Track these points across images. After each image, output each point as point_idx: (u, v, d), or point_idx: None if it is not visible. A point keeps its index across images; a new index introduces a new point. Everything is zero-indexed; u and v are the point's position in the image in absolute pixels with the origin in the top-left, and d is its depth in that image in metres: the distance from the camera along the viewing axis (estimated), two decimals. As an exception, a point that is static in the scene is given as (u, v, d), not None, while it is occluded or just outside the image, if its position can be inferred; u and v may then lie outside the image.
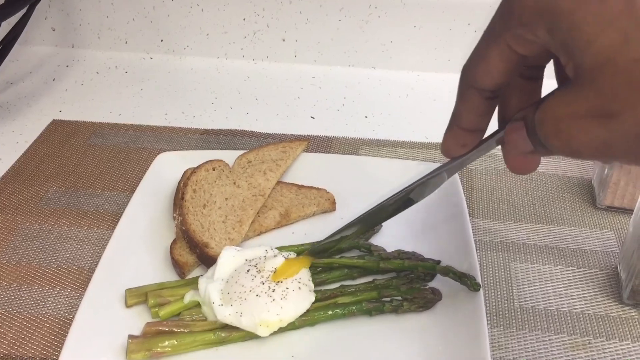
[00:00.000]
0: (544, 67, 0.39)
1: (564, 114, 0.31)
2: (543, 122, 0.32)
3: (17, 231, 0.64)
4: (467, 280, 0.54)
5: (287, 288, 0.53)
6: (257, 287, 0.52)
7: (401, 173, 0.68)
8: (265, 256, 0.56)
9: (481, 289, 0.54)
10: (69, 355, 0.49)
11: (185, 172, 0.66)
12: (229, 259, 0.55)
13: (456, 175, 0.65)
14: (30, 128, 0.81)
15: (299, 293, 0.53)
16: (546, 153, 0.35)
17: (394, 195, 0.49)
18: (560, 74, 0.37)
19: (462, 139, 0.40)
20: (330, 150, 0.76)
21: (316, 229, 0.63)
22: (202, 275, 0.55)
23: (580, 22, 0.30)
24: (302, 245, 0.59)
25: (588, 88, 0.30)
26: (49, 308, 0.56)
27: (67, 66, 0.97)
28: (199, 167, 0.65)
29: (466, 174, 0.71)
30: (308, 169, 0.69)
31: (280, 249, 0.58)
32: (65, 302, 0.56)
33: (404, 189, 0.48)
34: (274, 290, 0.52)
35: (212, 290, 0.52)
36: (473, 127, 0.39)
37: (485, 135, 0.40)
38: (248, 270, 0.54)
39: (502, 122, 0.41)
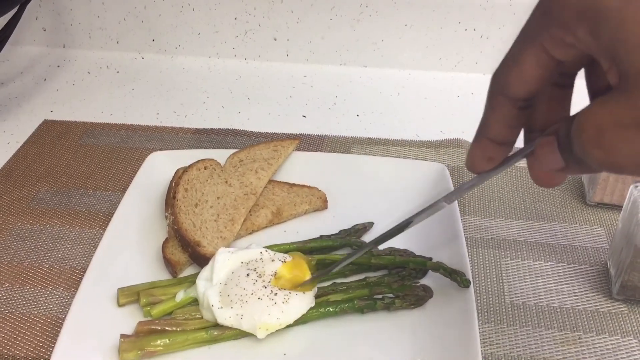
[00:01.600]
0: (576, 74, 0.37)
1: (607, 123, 0.28)
2: (583, 131, 0.30)
3: (9, 231, 0.64)
4: (457, 277, 0.54)
5: (290, 292, 0.53)
6: (259, 291, 0.52)
7: (393, 171, 0.68)
8: (261, 258, 0.56)
9: (472, 286, 0.54)
10: (61, 354, 0.49)
11: (176, 171, 0.66)
12: (224, 262, 0.55)
13: (446, 171, 0.66)
14: (21, 128, 0.81)
15: (302, 298, 0.53)
16: (577, 170, 0.33)
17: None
18: (594, 82, 0.35)
19: (489, 152, 0.37)
20: (322, 149, 0.77)
21: (308, 227, 0.63)
22: (199, 277, 0.55)
23: (629, 22, 0.27)
24: (294, 243, 0.60)
25: (636, 95, 0.28)
26: (41, 308, 0.56)
27: (58, 66, 0.96)
28: (190, 166, 0.65)
29: (457, 171, 0.72)
30: (300, 168, 0.69)
31: (272, 247, 0.58)
32: (57, 302, 0.56)
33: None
34: (276, 294, 0.52)
35: (211, 294, 0.52)
36: (502, 139, 0.37)
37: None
38: (248, 274, 0.54)
39: (527, 133, 0.38)
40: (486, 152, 0.37)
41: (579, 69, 0.36)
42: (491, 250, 0.62)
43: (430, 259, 0.57)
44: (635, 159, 0.28)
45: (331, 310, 0.53)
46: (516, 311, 0.56)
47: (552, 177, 0.36)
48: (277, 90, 0.91)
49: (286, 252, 0.58)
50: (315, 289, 0.54)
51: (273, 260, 0.55)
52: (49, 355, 0.50)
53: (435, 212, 0.46)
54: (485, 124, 0.37)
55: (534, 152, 0.35)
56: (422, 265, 0.56)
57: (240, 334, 0.52)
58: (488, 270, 0.60)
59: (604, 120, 0.29)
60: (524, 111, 0.35)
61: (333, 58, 0.96)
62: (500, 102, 0.35)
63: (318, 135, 0.79)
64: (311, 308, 0.53)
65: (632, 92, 0.28)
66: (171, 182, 0.65)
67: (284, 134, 0.79)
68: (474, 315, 0.51)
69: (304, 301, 0.53)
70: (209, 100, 0.88)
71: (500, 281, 0.58)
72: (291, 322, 0.52)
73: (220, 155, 0.68)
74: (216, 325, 0.52)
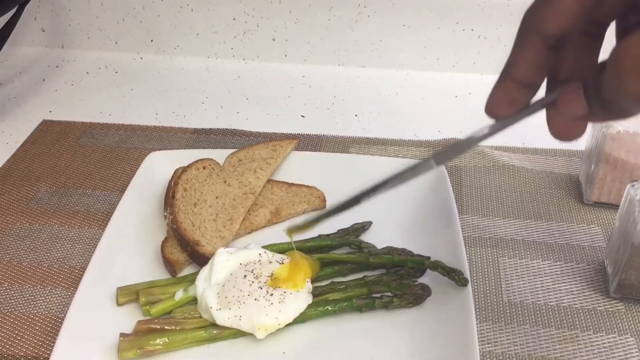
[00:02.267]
0: (608, 25, 0.36)
1: None
2: (621, 61, 0.29)
3: (8, 231, 0.64)
4: (455, 276, 0.55)
5: (285, 292, 0.53)
6: (255, 292, 0.53)
7: (391, 171, 0.68)
8: (259, 260, 0.56)
9: (470, 284, 0.54)
10: (61, 354, 0.49)
11: (175, 171, 0.66)
12: (223, 263, 0.55)
13: (445, 172, 0.66)
14: (20, 128, 0.81)
15: (296, 296, 0.53)
16: (602, 115, 0.33)
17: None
18: (624, 28, 0.34)
19: (512, 94, 0.36)
20: (320, 148, 0.77)
21: (307, 227, 0.63)
22: (198, 278, 0.55)
23: None
24: (293, 242, 0.60)
25: None
26: (41, 307, 0.56)
27: (57, 66, 0.96)
28: (189, 166, 0.65)
29: (455, 170, 0.72)
30: (298, 167, 0.70)
31: (271, 246, 0.59)
32: (56, 301, 0.57)
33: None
34: (272, 295, 0.52)
35: (209, 295, 0.53)
36: (528, 80, 0.35)
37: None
38: (245, 276, 0.54)
39: (551, 82, 0.37)
40: (509, 94, 0.36)
41: (611, 19, 0.35)
42: (489, 249, 0.62)
43: (429, 257, 0.57)
44: None
45: (330, 309, 0.54)
46: (514, 310, 0.56)
47: (572, 128, 0.35)
48: (276, 91, 0.91)
49: (285, 251, 0.58)
50: (310, 286, 0.54)
51: (271, 262, 0.55)
52: (49, 355, 0.50)
53: (425, 171, 0.43)
54: (511, 63, 0.35)
55: (557, 100, 0.34)
56: (420, 264, 0.57)
57: (239, 333, 0.52)
58: (486, 269, 0.60)
59: None
60: (554, 52, 0.34)
61: (331, 58, 0.96)
62: (530, 40, 0.34)
63: (316, 135, 0.79)
64: (310, 307, 0.53)
65: None
66: (170, 181, 0.65)
67: (283, 134, 0.79)
68: (472, 313, 0.51)
69: (299, 299, 0.53)
70: (208, 101, 0.89)
71: (498, 280, 0.59)
72: (290, 320, 0.52)
73: (219, 155, 0.68)
74: (215, 324, 0.52)
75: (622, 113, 0.32)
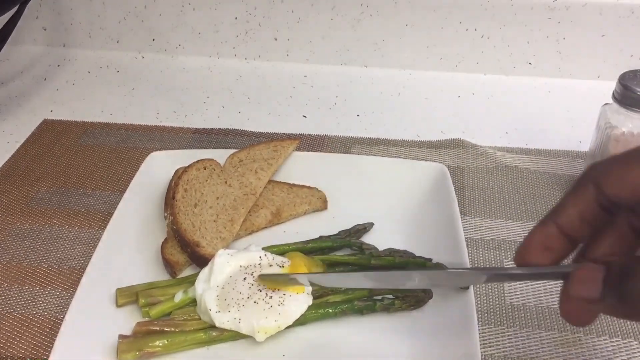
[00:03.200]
0: None
1: None
2: None
3: (8, 231, 0.64)
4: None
5: (284, 294, 0.52)
6: (255, 295, 0.52)
7: (393, 171, 0.68)
8: (260, 264, 0.55)
9: (471, 287, 0.54)
10: (59, 355, 0.48)
11: (176, 171, 0.66)
12: (223, 265, 0.55)
13: (447, 173, 0.66)
14: (21, 128, 0.81)
15: (296, 298, 0.53)
16: (612, 308, 0.32)
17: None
18: None
19: (550, 240, 0.36)
20: (322, 149, 0.76)
21: (308, 228, 0.63)
22: (198, 279, 0.55)
23: None
24: (294, 243, 0.59)
25: None
26: (40, 308, 0.56)
27: (58, 66, 0.96)
28: (190, 166, 0.65)
29: (457, 171, 0.71)
30: (300, 168, 0.69)
31: (272, 247, 0.58)
32: (55, 302, 0.56)
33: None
34: (271, 297, 0.52)
35: (208, 298, 0.52)
36: (570, 231, 0.36)
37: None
38: (245, 279, 0.54)
39: (579, 257, 0.38)
40: (547, 240, 0.36)
41: None
42: (491, 251, 0.62)
43: (430, 260, 0.57)
44: None
45: (330, 311, 0.53)
46: (516, 312, 0.55)
47: (581, 312, 0.35)
48: (278, 90, 0.91)
49: (285, 252, 0.58)
50: (310, 287, 0.54)
51: (271, 265, 0.55)
52: (48, 356, 0.50)
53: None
54: (560, 207, 0.36)
55: (571, 274, 0.34)
56: (422, 266, 0.56)
57: (239, 335, 0.51)
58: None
59: None
60: (602, 215, 0.35)
61: (333, 58, 0.96)
62: (587, 189, 0.35)
63: (318, 135, 0.79)
64: (310, 309, 0.53)
65: None
66: (170, 182, 0.65)
67: (284, 134, 0.79)
68: (473, 316, 0.51)
69: (299, 301, 0.53)
70: (209, 100, 0.88)
71: (500, 282, 0.58)
72: (290, 323, 0.52)
73: (220, 155, 0.68)
74: (215, 326, 0.51)
75: (638, 313, 0.32)
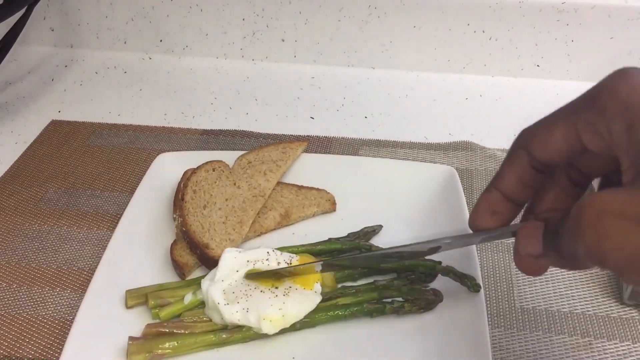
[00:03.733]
0: (592, 179, 0.38)
1: (610, 209, 0.29)
2: (583, 210, 0.30)
3: (17, 232, 0.64)
4: (467, 281, 0.54)
5: (290, 287, 0.53)
6: (261, 284, 0.52)
7: (402, 174, 0.68)
8: (267, 259, 0.55)
9: (482, 290, 0.54)
10: (69, 356, 0.48)
11: (185, 172, 0.66)
12: (230, 260, 0.55)
13: (456, 175, 0.65)
14: (29, 128, 0.81)
15: (303, 292, 0.53)
16: (555, 261, 0.34)
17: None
18: (605, 186, 0.36)
19: (495, 206, 0.39)
20: (329, 150, 0.76)
21: (316, 230, 0.63)
22: (204, 278, 0.55)
23: None
24: (302, 246, 0.59)
25: None
26: (49, 309, 0.56)
27: (66, 66, 0.96)
28: (198, 167, 0.65)
29: (466, 174, 0.71)
30: (308, 170, 0.69)
31: (281, 249, 0.58)
32: (65, 304, 0.56)
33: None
34: (277, 287, 0.52)
35: (214, 291, 0.52)
36: (512, 195, 0.38)
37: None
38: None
39: (527, 214, 0.40)
40: (493, 205, 0.39)
41: (596, 175, 0.38)
42: (501, 254, 0.62)
43: (440, 262, 0.57)
44: (622, 252, 0.29)
45: (340, 313, 0.53)
46: (526, 316, 0.55)
47: (530, 264, 0.37)
48: (285, 92, 0.91)
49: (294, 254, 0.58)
50: (320, 288, 0.54)
51: (279, 263, 0.55)
52: (57, 357, 0.50)
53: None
54: (499, 175, 0.38)
55: (517, 232, 0.37)
56: (432, 269, 0.56)
57: (249, 337, 0.51)
58: (498, 275, 0.59)
59: (608, 206, 0.29)
60: (538, 175, 0.37)
61: (341, 59, 0.96)
62: (519, 155, 0.37)
63: (326, 137, 0.79)
64: (320, 311, 0.53)
65: None
66: (179, 183, 0.65)
67: (292, 135, 0.79)
68: (484, 320, 0.51)
69: (306, 296, 0.53)
70: (217, 101, 0.88)
71: (510, 286, 0.58)
72: (295, 316, 0.51)
73: (229, 156, 0.68)
74: (225, 328, 0.52)
75: (573, 263, 0.34)
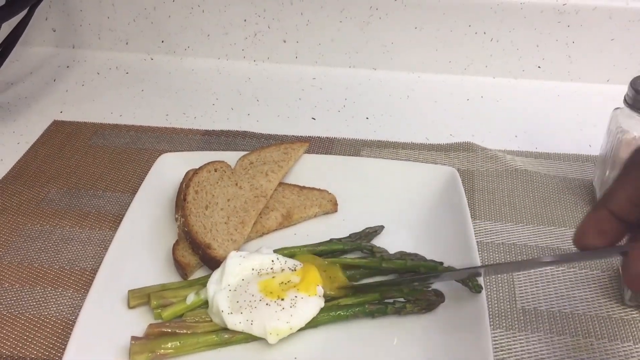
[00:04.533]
0: None
1: None
2: None
3: (19, 232, 0.64)
4: (469, 282, 0.54)
5: (296, 296, 0.53)
6: (266, 297, 0.52)
7: (403, 174, 0.68)
8: (272, 268, 0.55)
9: (483, 291, 0.54)
10: (72, 356, 0.48)
11: (187, 173, 0.66)
12: (235, 267, 0.55)
13: (457, 176, 0.66)
14: (31, 129, 0.81)
15: (308, 300, 0.53)
16: None
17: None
18: None
19: (603, 224, 0.37)
20: (331, 151, 0.76)
21: (318, 230, 0.63)
22: (210, 281, 0.55)
23: None
24: (304, 246, 0.59)
25: None
26: (52, 309, 0.56)
27: (68, 67, 0.96)
28: (200, 168, 0.65)
29: (468, 175, 0.71)
30: (310, 170, 0.69)
31: (282, 250, 0.58)
32: (67, 304, 0.56)
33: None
34: (283, 299, 0.52)
35: (220, 299, 0.52)
36: (622, 214, 0.37)
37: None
38: (257, 281, 0.54)
39: (635, 231, 0.38)
40: (601, 224, 0.37)
41: None
42: (502, 255, 0.62)
43: (442, 263, 0.57)
44: None
45: (342, 314, 0.53)
46: (528, 317, 0.55)
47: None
48: (286, 93, 0.91)
49: (296, 255, 0.58)
50: (322, 290, 0.54)
51: (283, 270, 0.55)
52: (60, 357, 0.50)
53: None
54: (610, 193, 0.37)
55: (628, 252, 0.35)
56: (433, 269, 0.56)
57: (251, 338, 0.52)
58: (499, 276, 0.59)
59: None
60: None
61: (342, 60, 0.96)
62: (632, 174, 0.35)
63: (327, 138, 0.79)
64: (322, 312, 0.53)
65: None
66: (181, 184, 0.65)
67: (293, 136, 0.79)
68: (485, 320, 0.51)
69: (311, 303, 0.53)
70: (218, 102, 0.88)
71: (512, 286, 0.58)
72: (302, 325, 0.52)
73: (230, 157, 0.68)
74: (227, 329, 0.52)
75: None
